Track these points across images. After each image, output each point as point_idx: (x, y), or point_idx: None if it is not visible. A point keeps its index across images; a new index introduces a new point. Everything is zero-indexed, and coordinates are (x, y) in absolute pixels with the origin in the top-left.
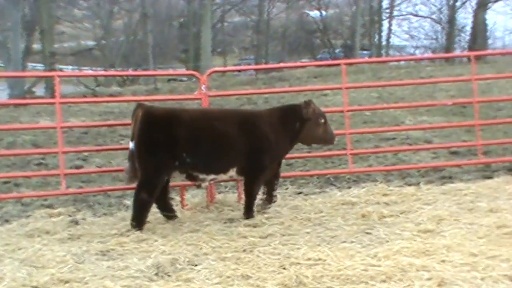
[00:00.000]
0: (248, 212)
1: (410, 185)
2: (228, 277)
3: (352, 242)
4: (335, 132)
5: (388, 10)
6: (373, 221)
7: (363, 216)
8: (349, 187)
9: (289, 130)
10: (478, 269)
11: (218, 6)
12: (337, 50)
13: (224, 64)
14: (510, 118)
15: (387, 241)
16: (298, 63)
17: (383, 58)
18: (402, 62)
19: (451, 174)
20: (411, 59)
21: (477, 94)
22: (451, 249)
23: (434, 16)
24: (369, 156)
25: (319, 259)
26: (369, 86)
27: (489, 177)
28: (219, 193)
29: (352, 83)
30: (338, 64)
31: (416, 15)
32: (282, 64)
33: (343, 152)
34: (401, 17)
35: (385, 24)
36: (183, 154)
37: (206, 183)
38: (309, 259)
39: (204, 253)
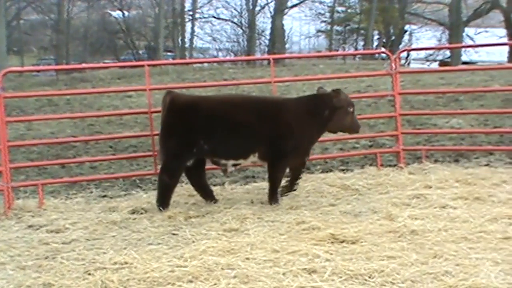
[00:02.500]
0: (273, 197)
1: (215, 185)
2: (29, 286)
3: (159, 244)
4: (140, 133)
5: (190, 13)
6: (179, 222)
7: (169, 217)
8: (155, 189)
9: (317, 119)
10: (279, 265)
11: (13, 3)
12: (141, 52)
13: (22, 64)
14: None
15: (193, 242)
16: (101, 64)
17: (187, 60)
18: (205, 64)
19: (254, 173)
20: (214, 61)
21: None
22: (255, 247)
23: (235, 20)
24: None
25: (126, 263)
26: (173, 88)
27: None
28: (18, 199)
29: (156, 84)
30: (142, 66)
31: (218, 18)
32: (84, 65)
33: (149, 153)
34: (203, 19)
35: (188, 26)
36: (200, 141)
37: (230, 168)
38: (115, 263)
39: (1, 263)
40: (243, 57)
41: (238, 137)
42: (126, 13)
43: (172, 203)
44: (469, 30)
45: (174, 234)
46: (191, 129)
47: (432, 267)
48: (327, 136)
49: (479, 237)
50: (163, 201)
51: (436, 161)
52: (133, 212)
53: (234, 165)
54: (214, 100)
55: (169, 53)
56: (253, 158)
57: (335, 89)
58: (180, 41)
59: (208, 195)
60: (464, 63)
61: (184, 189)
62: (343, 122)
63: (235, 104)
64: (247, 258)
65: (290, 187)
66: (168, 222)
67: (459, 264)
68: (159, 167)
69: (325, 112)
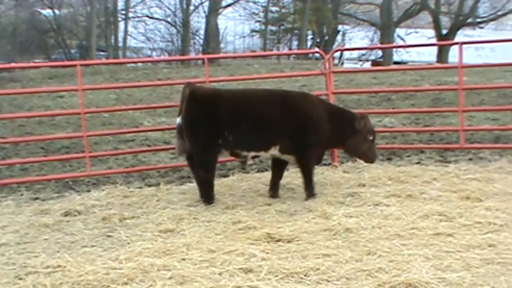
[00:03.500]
0: (309, 189)
1: (150, 186)
2: None
3: (93, 246)
4: (73, 134)
5: (123, 12)
6: (114, 223)
7: (103, 219)
8: (88, 190)
9: (338, 131)
10: (216, 265)
11: None
12: (72, 51)
13: None
14: None
15: (128, 243)
16: (31, 64)
17: (121, 60)
18: (139, 64)
19: (189, 173)
20: (148, 61)
21: None
22: (191, 247)
23: (169, 19)
24: (109, 158)
25: (59, 266)
26: (107, 88)
27: (225, 176)
28: None
29: (89, 84)
30: (74, 65)
31: (152, 18)
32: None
33: (82, 155)
34: (137, 19)
35: (121, 25)
36: (225, 132)
37: (249, 161)
38: (47, 267)
39: None
40: (178, 57)
41: (261, 129)
42: (56, 11)
43: (106, 205)
44: (400, 31)
45: (108, 236)
46: (215, 121)
47: (366, 264)
48: None
49: (411, 234)
50: (208, 196)
51: None
52: (66, 214)
53: (254, 157)
54: (235, 93)
55: (102, 53)
56: (274, 151)
57: (362, 115)
58: (113, 41)
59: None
60: (396, 63)
61: (118, 190)
62: (359, 147)
63: (258, 97)
64: (183, 259)
65: (276, 191)
66: (102, 224)
67: (392, 260)
68: (92, 168)
69: (346, 129)
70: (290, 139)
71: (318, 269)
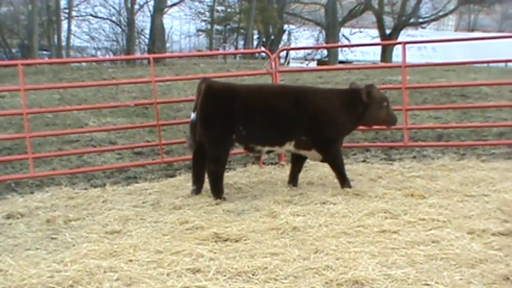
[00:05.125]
0: (344, 182)
1: (95, 186)
2: None
3: (37, 249)
4: (15, 135)
5: (66, 11)
6: (59, 225)
7: (48, 221)
8: (32, 192)
9: (352, 112)
10: (163, 265)
11: None
12: (14, 50)
13: None
14: (189, 119)
15: (74, 245)
16: None
17: (64, 59)
18: (83, 64)
19: (136, 174)
20: (93, 61)
21: (158, 96)
22: (138, 248)
23: (113, 18)
24: (53, 159)
25: (0, 270)
26: (50, 88)
27: (172, 176)
28: None
29: (31, 84)
30: (15, 65)
31: (96, 17)
32: None
33: (25, 156)
34: (80, 18)
35: (65, 24)
36: (239, 127)
37: (264, 156)
38: None
39: None
40: (123, 56)
41: (276, 124)
42: None
43: (50, 207)
44: (344, 31)
45: (53, 238)
46: (230, 115)
47: (314, 262)
48: None
49: (357, 231)
50: (217, 190)
51: None
52: (8, 217)
53: (268, 152)
54: (251, 88)
55: (44, 52)
56: (289, 146)
57: (368, 85)
58: (56, 40)
59: (200, 186)
60: (341, 62)
61: (63, 192)
62: (377, 117)
63: (273, 92)
64: (130, 260)
65: (295, 181)
66: (46, 226)
67: (339, 258)
68: (36, 169)
69: (359, 107)
70: (307, 135)
71: (266, 268)
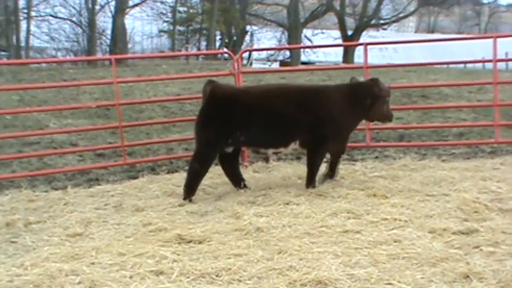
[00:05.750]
0: (310, 182)
1: (57, 189)
2: None
3: None
4: None
5: (25, 11)
6: (18, 229)
7: (7, 224)
8: None
9: (357, 107)
10: (126, 268)
11: None
12: None
13: None
14: (151, 120)
15: (34, 249)
16: None
17: (23, 60)
18: (43, 64)
19: (98, 176)
20: (53, 61)
21: (120, 97)
22: (100, 251)
23: (74, 19)
24: (12, 162)
25: None
26: (9, 89)
27: (134, 177)
28: None
29: None
30: None
31: (56, 17)
32: None
33: None
34: (40, 18)
35: (24, 24)
36: (237, 132)
37: (271, 156)
38: None
39: None
40: (84, 57)
41: (278, 126)
42: None
43: (10, 210)
44: (307, 32)
45: (12, 242)
46: (229, 121)
47: (277, 262)
48: (172, 136)
49: (320, 232)
50: (191, 188)
51: (279, 159)
52: None
53: (275, 153)
54: (254, 91)
55: (2, 53)
56: (294, 145)
57: (373, 79)
58: (15, 40)
59: (238, 183)
60: (303, 63)
61: (23, 195)
62: (381, 111)
63: (275, 94)
64: (92, 263)
65: (332, 174)
66: (6, 229)
67: (302, 258)
68: None
69: (367, 100)
70: (309, 133)
71: (229, 269)
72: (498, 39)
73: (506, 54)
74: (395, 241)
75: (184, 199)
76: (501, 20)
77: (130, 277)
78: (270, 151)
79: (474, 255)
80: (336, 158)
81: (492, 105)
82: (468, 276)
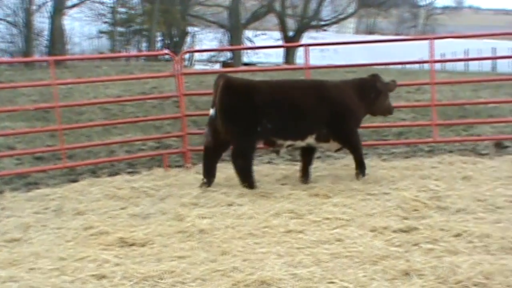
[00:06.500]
0: (362, 171)
1: None
2: None
3: None
4: None
5: None
6: None
7: None
8: None
9: (363, 102)
10: (67, 273)
11: None
12: None
13: None
14: (92, 122)
15: None
16: None
17: None
18: None
19: (37, 179)
20: None
21: (59, 99)
22: (40, 256)
23: (9, 19)
24: None
25: None
26: None
27: (75, 180)
28: None
29: None
30: None
31: None
32: None
33: None
34: None
35: None
36: (264, 120)
37: (283, 149)
38: None
39: None
40: (20, 59)
41: (300, 118)
42: None
43: None
44: (248, 33)
45: None
46: (253, 109)
47: (221, 264)
48: (113, 138)
49: (264, 232)
50: (250, 183)
51: (222, 160)
52: None
53: (288, 146)
54: (271, 83)
55: None
56: (310, 139)
57: (373, 74)
58: None
59: (209, 180)
60: (245, 64)
61: None
62: (384, 105)
63: (293, 87)
64: (31, 269)
65: (307, 176)
66: None
67: (246, 259)
68: None
69: (371, 95)
70: (328, 127)
71: (173, 271)
72: (435, 41)
73: (443, 55)
74: (337, 240)
75: (253, 188)
76: (437, 22)
77: (71, 282)
78: (288, 143)
79: (413, 253)
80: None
81: (430, 105)
82: (408, 273)
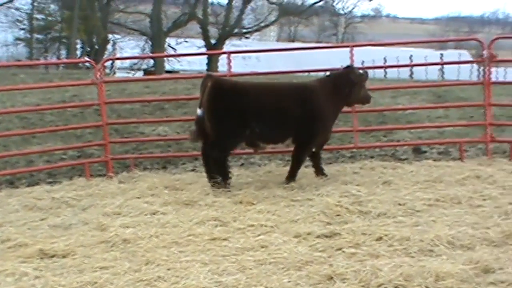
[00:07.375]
0: (291, 178)
1: None
2: None
3: None
4: None
5: None
6: None
7: None
8: None
9: (339, 96)
10: None
11: None
12: None
13: None
14: (9, 131)
15: None
16: None
17: None
18: None
19: None
20: None
21: None
22: None
23: None
24: None
25: None
26: None
27: None
28: None
29: None
30: None
31: None
32: None
33: None
34: None
35: None
36: (252, 123)
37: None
38: None
39: None
40: None
41: (282, 122)
42: None
43: None
44: (170, 40)
45: None
46: (242, 111)
47: (145, 273)
48: (32, 148)
49: (188, 241)
50: (224, 174)
51: (145, 168)
52: None
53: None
54: (256, 85)
55: None
56: (289, 141)
57: (348, 66)
58: None
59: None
60: (168, 71)
61: None
62: (359, 95)
63: (274, 90)
64: None
65: (321, 172)
66: None
67: (170, 268)
68: None
69: (345, 89)
70: (300, 128)
71: (95, 282)
72: (355, 48)
73: (362, 62)
74: (262, 247)
75: (225, 188)
76: (357, 30)
77: None
78: (270, 145)
79: (337, 257)
80: (319, 148)
81: (351, 112)
82: (332, 278)
